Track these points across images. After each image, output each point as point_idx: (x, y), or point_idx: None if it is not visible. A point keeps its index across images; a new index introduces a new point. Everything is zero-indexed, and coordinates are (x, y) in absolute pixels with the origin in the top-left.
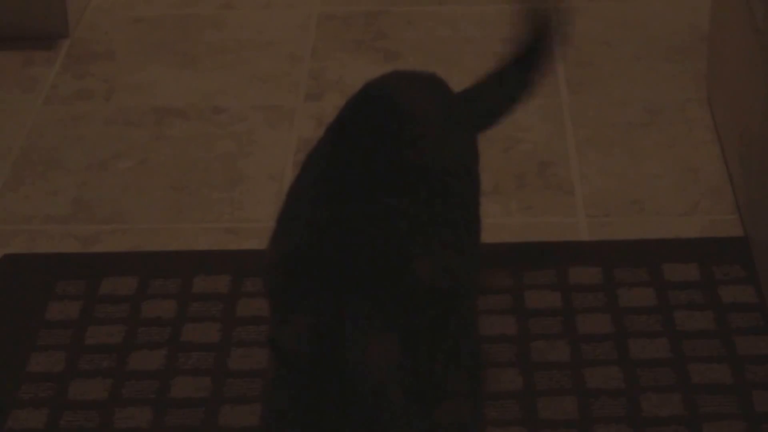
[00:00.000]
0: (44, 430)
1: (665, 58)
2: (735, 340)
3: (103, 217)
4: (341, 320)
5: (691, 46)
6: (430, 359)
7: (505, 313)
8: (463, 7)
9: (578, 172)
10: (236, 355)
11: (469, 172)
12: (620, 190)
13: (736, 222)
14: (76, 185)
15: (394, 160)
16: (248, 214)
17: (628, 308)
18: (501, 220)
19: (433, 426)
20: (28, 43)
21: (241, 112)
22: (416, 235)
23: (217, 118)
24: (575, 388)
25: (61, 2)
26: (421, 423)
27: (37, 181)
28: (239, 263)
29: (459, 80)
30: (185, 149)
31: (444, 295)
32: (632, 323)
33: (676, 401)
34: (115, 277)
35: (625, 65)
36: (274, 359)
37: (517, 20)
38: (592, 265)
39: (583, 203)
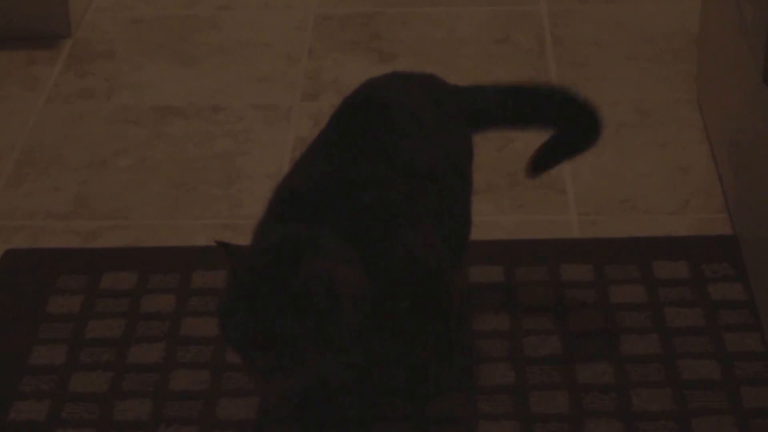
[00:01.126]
0: (45, 421)
1: (656, 60)
2: (724, 337)
3: (103, 214)
4: (309, 240)
5: (681, 48)
6: (401, 325)
7: (497, 309)
8: (457, 8)
9: (570, 171)
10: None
11: (460, 171)
12: (611, 188)
13: (726, 221)
14: (78, 182)
15: (384, 155)
16: (246, 210)
17: (619, 305)
18: (494, 218)
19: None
20: (31, 42)
21: (240, 111)
22: (402, 217)
23: (215, 117)
24: (567, 383)
25: (63, 3)
26: (372, 348)
27: (39, 178)
28: None
29: (453, 80)
30: (184, 147)
31: (427, 269)
32: (623, 320)
33: (665, 396)
34: (116, 272)
35: (616, 66)
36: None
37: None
38: (584, 262)
39: (574, 201)
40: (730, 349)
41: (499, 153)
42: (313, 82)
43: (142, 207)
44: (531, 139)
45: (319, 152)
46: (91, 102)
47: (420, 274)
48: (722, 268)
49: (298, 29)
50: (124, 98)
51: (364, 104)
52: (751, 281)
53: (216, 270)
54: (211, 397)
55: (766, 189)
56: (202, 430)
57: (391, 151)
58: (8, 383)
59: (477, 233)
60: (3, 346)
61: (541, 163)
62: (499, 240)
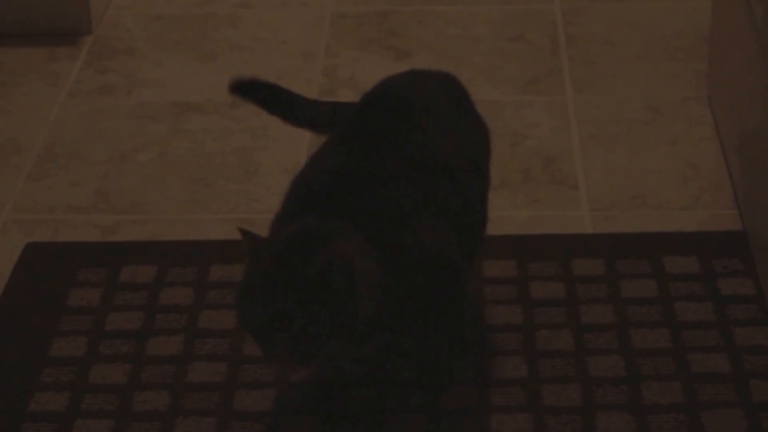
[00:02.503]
0: (65, 412)
1: (667, 58)
2: (733, 331)
3: (123, 208)
4: (326, 230)
5: (692, 46)
6: (412, 313)
7: (510, 303)
8: (472, 6)
9: (582, 168)
10: (251, 341)
11: (478, 168)
12: (623, 184)
13: (735, 216)
14: (98, 177)
15: (402, 150)
16: (263, 205)
17: (630, 299)
18: (507, 213)
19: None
20: (53, 39)
21: (257, 107)
22: (417, 211)
23: (233, 112)
24: (578, 376)
25: (84, 1)
26: (386, 340)
27: (60, 173)
28: None
29: (468, 78)
30: (203, 143)
31: (440, 261)
32: (634, 314)
33: (676, 389)
34: (135, 265)
35: (628, 64)
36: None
37: None
38: (596, 257)
39: (586, 197)
40: (739, 343)
41: (512, 149)
42: (329, 79)
43: (160, 201)
44: (544, 137)
45: (336, 146)
46: (111, 98)
47: (433, 265)
48: (732, 264)
49: (315, 27)
50: (144, 94)
51: (383, 100)
52: (760, 276)
53: (233, 264)
54: (228, 389)
55: None
56: (220, 422)
57: (409, 146)
58: (29, 374)
59: (490, 228)
60: (24, 337)
61: (245, 90)
62: (512, 235)
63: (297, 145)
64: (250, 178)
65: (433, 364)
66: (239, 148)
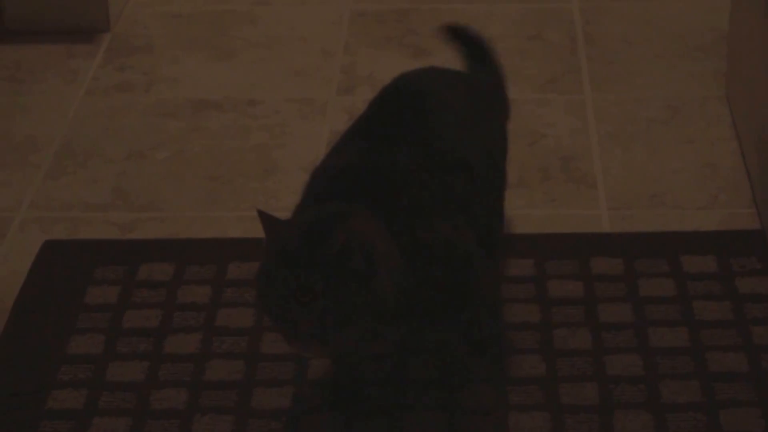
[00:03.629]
0: (83, 410)
1: (686, 57)
2: (751, 330)
3: (141, 206)
4: (346, 213)
5: (710, 45)
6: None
7: (528, 302)
8: (490, 5)
9: (600, 166)
10: (269, 339)
11: (495, 164)
12: (641, 183)
13: (753, 216)
14: (116, 174)
15: (418, 145)
16: (281, 203)
17: (648, 298)
18: (525, 212)
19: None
20: (71, 36)
21: (275, 104)
22: (434, 204)
23: (251, 110)
24: (596, 375)
25: None
26: (404, 336)
27: (78, 170)
28: None
29: None
30: (221, 140)
31: (456, 251)
32: (652, 313)
33: (694, 388)
34: (152, 263)
35: (646, 63)
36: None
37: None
38: (614, 256)
39: (605, 196)
40: (757, 342)
41: (531, 148)
42: (348, 77)
43: (178, 199)
44: (562, 135)
45: (355, 138)
46: (129, 95)
47: (448, 257)
48: (750, 263)
49: (334, 24)
50: (162, 92)
51: (402, 93)
52: None
53: (251, 261)
54: (246, 387)
55: None
56: (237, 420)
57: (426, 140)
58: (47, 372)
59: (508, 227)
60: (42, 335)
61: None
62: (530, 233)
63: (315, 143)
64: (268, 175)
65: (451, 362)
66: (257, 145)
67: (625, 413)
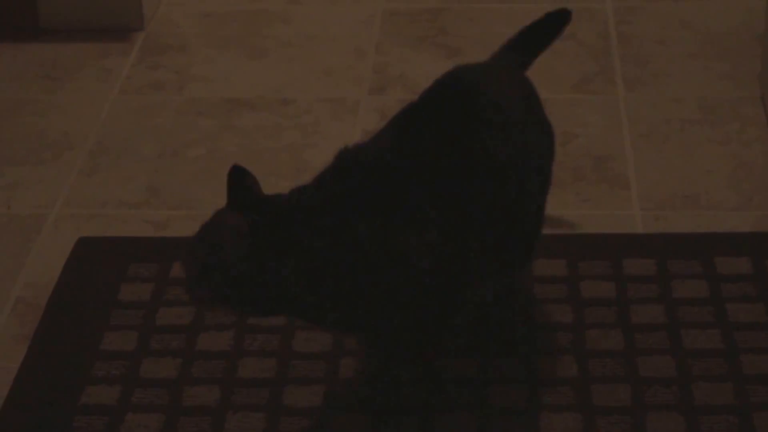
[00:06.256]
0: (116, 406)
1: (720, 57)
2: None
3: (174, 203)
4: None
5: (745, 46)
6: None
7: (561, 302)
8: (523, 5)
9: (633, 167)
10: (300, 337)
11: (539, 168)
12: (674, 184)
13: None
14: (149, 172)
15: (458, 145)
16: None
17: (681, 299)
18: (558, 212)
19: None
20: (105, 35)
21: (308, 104)
22: (424, 208)
23: (284, 109)
24: (629, 376)
25: None
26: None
27: (112, 168)
28: None
29: None
30: (253, 139)
31: (396, 264)
32: (685, 314)
33: (727, 391)
34: None
35: (680, 63)
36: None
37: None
38: (647, 257)
39: (637, 197)
40: None
41: (563, 148)
42: (380, 77)
43: (211, 197)
44: (595, 135)
45: (390, 131)
46: (162, 94)
47: (386, 268)
48: None
49: (366, 24)
50: (195, 90)
51: (453, 89)
52: None
53: None
54: (278, 385)
55: None
56: (269, 417)
57: (470, 140)
58: (80, 368)
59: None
60: (76, 332)
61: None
62: (562, 234)
63: (347, 143)
64: (301, 175)
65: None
66: (289, 144)
67: (657, 415)
